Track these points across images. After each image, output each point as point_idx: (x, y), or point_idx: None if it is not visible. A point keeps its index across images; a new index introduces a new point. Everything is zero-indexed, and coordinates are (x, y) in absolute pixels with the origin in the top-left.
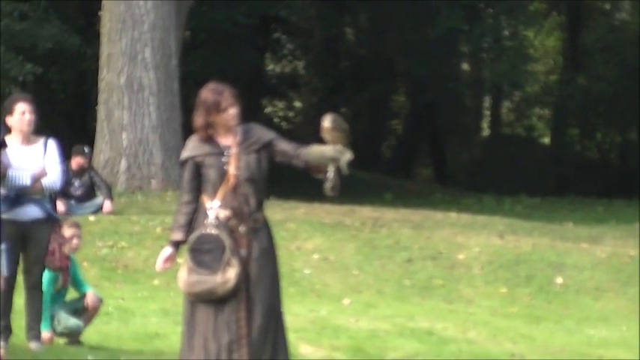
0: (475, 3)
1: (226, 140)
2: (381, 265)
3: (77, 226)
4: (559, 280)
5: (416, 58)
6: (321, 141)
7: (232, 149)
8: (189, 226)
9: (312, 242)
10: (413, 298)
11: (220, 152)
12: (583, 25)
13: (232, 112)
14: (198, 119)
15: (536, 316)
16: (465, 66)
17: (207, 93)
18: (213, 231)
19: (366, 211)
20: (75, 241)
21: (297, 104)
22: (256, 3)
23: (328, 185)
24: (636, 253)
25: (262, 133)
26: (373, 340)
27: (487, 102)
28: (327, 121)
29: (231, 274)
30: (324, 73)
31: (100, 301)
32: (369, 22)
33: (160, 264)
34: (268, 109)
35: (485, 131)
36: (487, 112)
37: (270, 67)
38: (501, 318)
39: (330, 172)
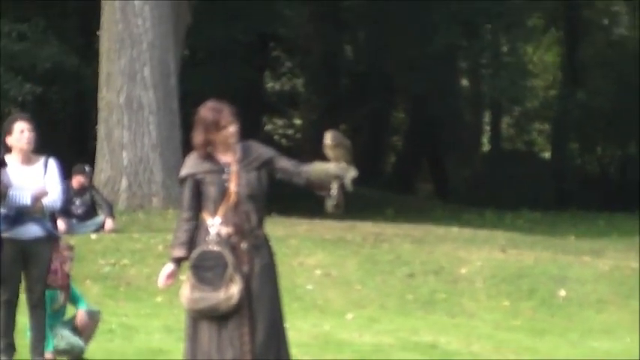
0: (473, 19)
1: (226, 157)
2: (383, 280)
3: (71, 248)
4: (562, 293)
5: (415, 75)
6: (321, 158)
7: (232, 166)
8: (190, 242)
9: (314, 258)
10: (416, 312)
11: (220, 169)
12: (581, 40)
13: (232, 129)
14: (198, 137)
15: (539, 329)
16: (465, 82)
17: (207, 111)
18: (215, 248)
19: (367, 227)
20: (69, 263)
21: (297, 121)
22: (254, 21)
23: (331, 203)
24: (638, 265)
25: (262, 151)
26: (377, 355)
27: (487, 117)
28: (328, 138)
29: (234, 290)
30: (324, 90)
31: (95, 321)
32: (367, 38)
33: (162, 281)
34: (268, 127)
35: (486, 146)
36: (487, 128)
37: (270, 84)
38: (504, 331)
39: (334, 190)
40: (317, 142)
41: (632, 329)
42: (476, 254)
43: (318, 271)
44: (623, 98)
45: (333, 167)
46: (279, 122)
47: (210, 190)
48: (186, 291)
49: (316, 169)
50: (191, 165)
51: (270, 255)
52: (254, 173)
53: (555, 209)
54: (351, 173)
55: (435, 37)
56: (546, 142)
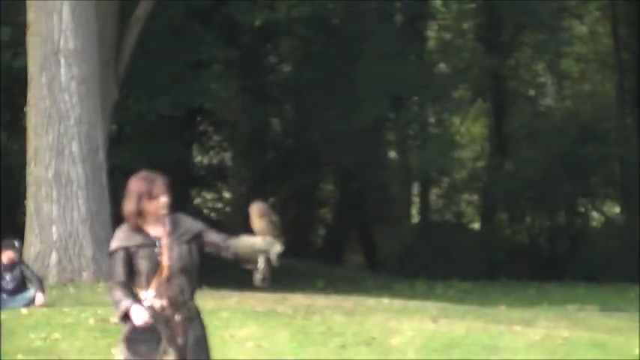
0: (400, 92)
1: (155, 231)
2: (315, 351)
3: None
4: None
5: (342, 147)
6: (250, 231)
7: (163, 240)
8: (133, 297)
9: (245, 330)
10: None
11: (152, 243)
12: (508, 111)
13: (163, 200)
14: (129, 206)
15: None
16: (392, 153)
17: (139, 180)
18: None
19: (298, 299)
20: None
21: (226, 194)
22: (181, 95)
23: (258, 277)
24: (569, 334)
25: (191, 224)
26: None
27: (415, 189)
28: (253, 212)
29: None
30: (252, 163)
31: None
32: (294, 112)
33: (145, 318)
34: (197, 200)
35: (415, 218)
36: (416, 199)
37: (198, 158)
38: None
39: (260, 264)
40: (246, 216)
41: None
42: (407, 324)
43: (249, 344)
44: (550, 168)
45: (258, 242)
46: (208, 196)
47: (142, 264)
48: None
49: (243, 243)
50: (122, 237)
51: (202, 326)
52: (185, 246)
53: (486, 279)
54: (277, 248)
55: (361, 109)
56: (475, 213)
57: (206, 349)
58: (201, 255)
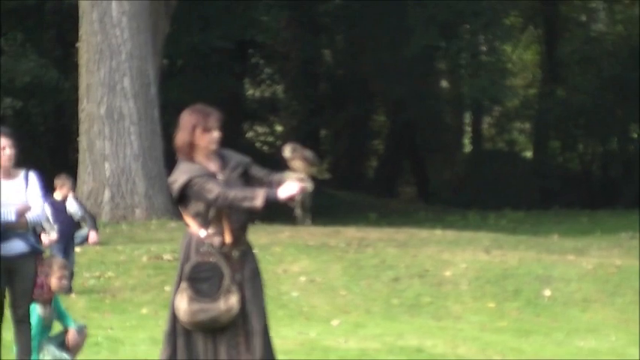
0: (451, 20)
1: (210, 165)
2: (368, 284)
3: (65, 266)
4: (546, 292)
5: (393, 78)
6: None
7: (219, 175)
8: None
9: (298, 265)
10: (401, 316)
11: (213, 177)
12: (560, 38)
13: (216, 134)
14: (182, 138)
15: (524, 329)
16: (444, 83)
17: (194, 113)
18: (210, 259)
19: (350, 232)
20: (63, 281)
21: (278, 128)
22: (232, 28)
23: (298, 212)
24: (622, 262)
25: (239, 158)
26: None
27: (467, 118)
28: (286, 151)
29: (233, 300)
30: (304, 96)
31: (83, 336)
32: (345, 43)
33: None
34: (249, 134)
35: (467, 147)
36: (468, 129)
37: (250, 92)
38: (490, 333)
39: (296, 202)
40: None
41: (618, 327)
42: (460, 256)
43: (302, 278)
44: (603, 95)
45: (291, 180)
46: (260, 129)
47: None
48: (184, 304)
49: (280, 180)
50: (189, 169)
51: (255, 260)
52: (239, 180)
53: (538, 208)
54: (308, 187)
55: (412, 39)
56: (528, 141)
57: (261, 282)
58: None
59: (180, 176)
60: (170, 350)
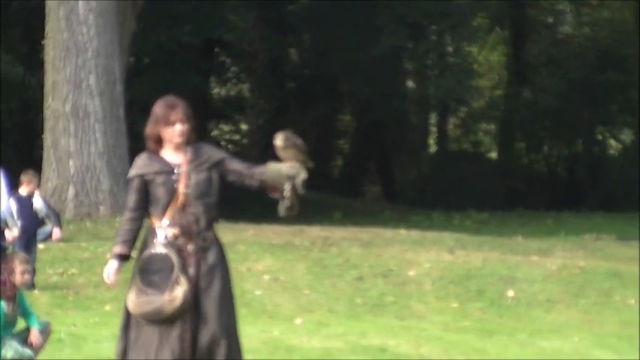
0: (419, 20)
1: (176, 158)
2: (331, 283)
3: (27, 261)
4: (510, 293)
5: (360, 77)
6: (270, 161)
7: (182, 167)
8: (133, 241)
9: (262, 263)
10: (365, 315)
11: (170, 170)
12: (526, 39)
13: (179, 127)
14: (148, 129)
15: (488, 329)
16: (410, 83)
17: (160, 105)
18: (162, 250)
19: (315, 231)
20: (26, 276)
21: (244, 127)
22: (199, 26)
23: (285, 204)
24: (585, 264)
25: (213, 152)
26: (326, 359)
27: (433, 118)
28: (279, 140)
29: (178, 292)
30: (270, 94)
31: (47, 334)
32: (312, 42)
33: (110, 278)
34: (215, 132)
35: (433, 148)
36: (434, 129)
37: (216, 90)
38: (454, 333)
39: (287, 191)
40: (264, 147)
41: (581, 328)
42: (424, 256)
43: (266, 277)
44: (569, 97)
45: (285, 168)
46: (226, 128)
47: (159, 192)
48: (133, 295)
49: (269, 169)
50: (140, 165)
51: (219, 256)
52: (204, 174)
53: (503, 209)
54: (302, 174)
55: (380, 39)
56: (493, 143)
57: (220, 278)
58: (222, 184)
59: (130, 169)
60: (123, 344)
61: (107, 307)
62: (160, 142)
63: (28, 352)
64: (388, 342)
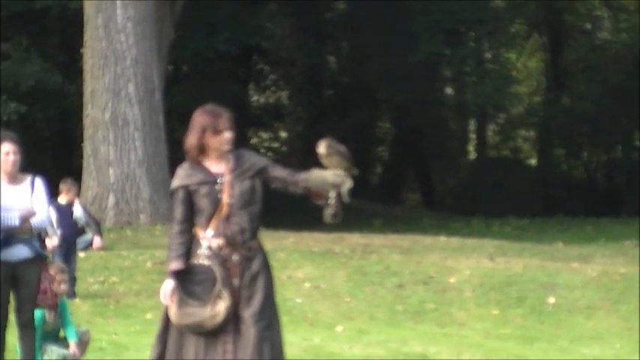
0: (456, 27)
1: (218, 167)
2: (372, 291)
3: (63, 271)
4: (551, 300)
5: (398, 84)
6: (307, 169)
7: (225, 177)
8: (187, 254)
9: (302, 271)
10: (405, 323)
11: (213, 180)
12: (564, 45)
13: (227, 135)
14: (191, 140)
15: (529, 336)
16: (449, 90)
17: (204, 114)
18: (205, 262)
19: (355, 238)
20: (62, 285)
21: (282, 134)
22: (237, 33)
23: (329, 212)
24: (626, 270)
25: (255, 160)
26: None
27: (472, 125)
28: (322, 147)
29: (220, 307)
30: (308, 102)
31: (86, 342)
32: (350, 49)
33: (166, 299)
34: (253, 140)
35: (472, 154)
36: (473, 136)
37: (254, 98)
38: (494, 340)
39: (332, 199)
40: (303, 154)
41: (622, 334)
42: (464, 263)
43: (307, 284)
44: (607, 102)
45: (330, 175)
46: (265, 135)
47: (203, 202)
48: (174, 305)
49: (313, 177)
50: (183, 176)
51: (263, 264)
52: (247, 182)
53: (542, 216)
54: (348, 182)
55: (418, 46)
56: (532, 149)
57: (262, 287)
58: (265, 191)
59: (173, 180)
60: (160, 349)
61: (148, 316)
62: (203, 151)
63: (70, 354)
64: (429, 349)
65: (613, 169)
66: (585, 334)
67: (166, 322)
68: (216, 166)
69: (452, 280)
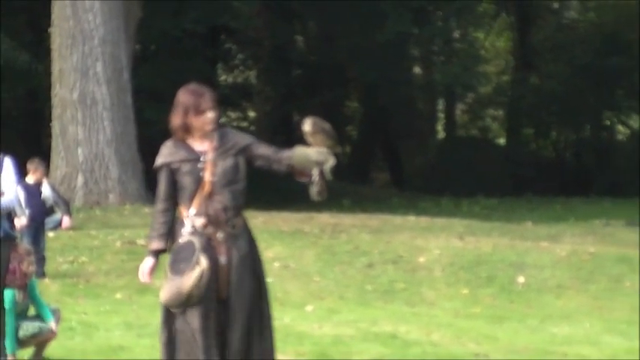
0: (423, 5)
1: (202, 145)
2: (341, 270)
3: (30, 253)
4: (520, 279)
5: (366, 63)
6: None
7: (208, 155)
8: (168, 234)
9: (272, 250)
10: (375, 302)
11: (196, 158)
12: (532, 25)
13: (210, 115)
14: (176, 120)
15: (498, 316)
16: (417, 69)
17: (187, 94)
18: (190, 238)
19: (324, 218)
20: (30, 267)
21: (251, 114)
22: (205, 13)
23: (314, 190)
24: (595, 249)
25: (239, 138)
26: (337, 346)
27: (441, 104)
28: (307, 125)
29: (195, 271)
30: (276, 81)
31: (57, 321)
32: (318, 29)
33: (144, 276)
34: (222, 120)
35: (441, 134)
36: (441, 115)
37: (222, 77)
38: (464, 319)
39: (316, 176)
40: (272, 134)
41: (591, 314)
42: (434, 242)
43: (276, 264)
44: (575, 81)
45: (313, 153)
46: (233, 115)
47: (185, 180)
48: (164, 285)
49: (297, 154)
50: (166, 154)
51: (249, 243)
52: (231, 160)
53: (511, 195)
54: (331, 160)
55: (385, 24)
56: (501, 128)
57: (251, 268)
58: (249, 169)
59: (157, 158)
60: (167, 334)
61: (118, 295)
62: (188, 131)
63: (46, 326)
64: (399, 329)
65: (582, 149)
66: (555, 313)
67: (167, 308)
68: (200, 144)
69: (421, 259)
